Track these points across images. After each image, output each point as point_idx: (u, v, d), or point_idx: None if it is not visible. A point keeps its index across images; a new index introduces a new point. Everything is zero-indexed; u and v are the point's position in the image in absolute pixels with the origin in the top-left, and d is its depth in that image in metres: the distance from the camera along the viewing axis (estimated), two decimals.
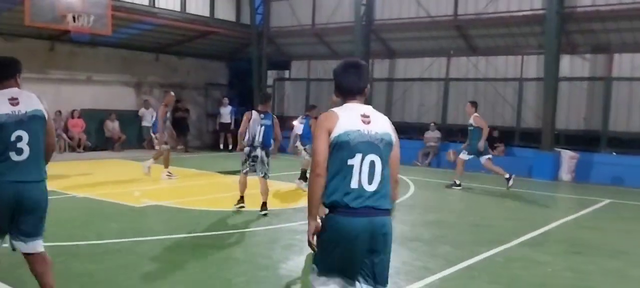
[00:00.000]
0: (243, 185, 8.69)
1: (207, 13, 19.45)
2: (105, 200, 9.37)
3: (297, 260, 6.26)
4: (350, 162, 3.11)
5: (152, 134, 12.64)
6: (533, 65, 16.32)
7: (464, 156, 12.37)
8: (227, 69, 22.50)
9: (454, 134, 17.93)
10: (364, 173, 3.10)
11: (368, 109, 3.27)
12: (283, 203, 9.74)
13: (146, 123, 18.87)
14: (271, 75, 21.80)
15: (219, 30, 19.59)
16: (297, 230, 7.44)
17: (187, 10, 18.75)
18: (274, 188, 10.20)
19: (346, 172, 3.10)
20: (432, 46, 17.88)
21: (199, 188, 11.53)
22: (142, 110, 18.90)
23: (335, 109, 3.26)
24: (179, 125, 17.67)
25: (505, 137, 16.41)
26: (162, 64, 20.11)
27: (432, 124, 17.22)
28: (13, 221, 4.00)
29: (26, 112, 4.01)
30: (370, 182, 3.11)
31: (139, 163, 12.58)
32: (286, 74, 22.00)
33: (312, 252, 3.27)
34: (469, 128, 12.32)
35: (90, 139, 17.78)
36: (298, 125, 12.08)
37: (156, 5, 17.81)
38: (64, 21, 13.91)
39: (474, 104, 12.44)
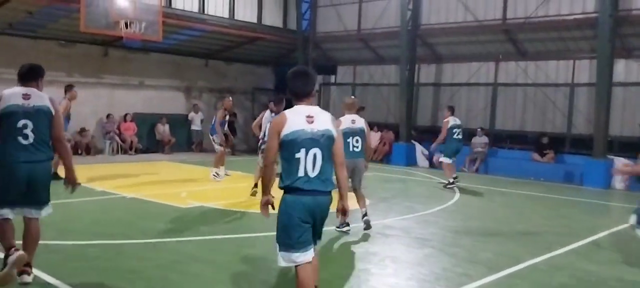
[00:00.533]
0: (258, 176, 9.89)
1: (254, 19, 19.74)
2: (153, 200, 9.65)
3: (336, 263, 6.30)
4: (297, 155, 3.91)
5: (211, 136, 13.04)
6: (585, 70, 15.85)
7: (443, 159, 12.85)
8: (274, 74, 22.76)
9: (503, 139, 17.63)
10: (308, 163, 3.92)
11: (313, 110, 4.01)
12: None
13: (195, 127, 19.35)
14: (317, 80, 21.91)
15: (266, 36, 19.86)
16: (335, 235, 7.47)
17: (236, 17, 19.09)
18: None
19: (294, 162, 3.93)
20: (479, 50, 17.61)
21: (243, 190, 11.64)
22: (191, 114, 19.39)
23: (285, 112, 3.99)
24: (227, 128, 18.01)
25: (555, 144, 16.02)
26: (211, 70, 20.56)
27: (479, 130, 16.94)
28: (25, 194, 4.82)
29: (34, 106, 4.89)
30: (313, 169, 3.93)
31: (186, 166, 12.81)
32: (332, 78, 22.09)
33: (266, 216, 4.21)
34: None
35: (141, 141, 18.30)
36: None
37: (205, 12, 18.21)
38: (117, 27, 14.39)
39: (450, 108, 12.95)
